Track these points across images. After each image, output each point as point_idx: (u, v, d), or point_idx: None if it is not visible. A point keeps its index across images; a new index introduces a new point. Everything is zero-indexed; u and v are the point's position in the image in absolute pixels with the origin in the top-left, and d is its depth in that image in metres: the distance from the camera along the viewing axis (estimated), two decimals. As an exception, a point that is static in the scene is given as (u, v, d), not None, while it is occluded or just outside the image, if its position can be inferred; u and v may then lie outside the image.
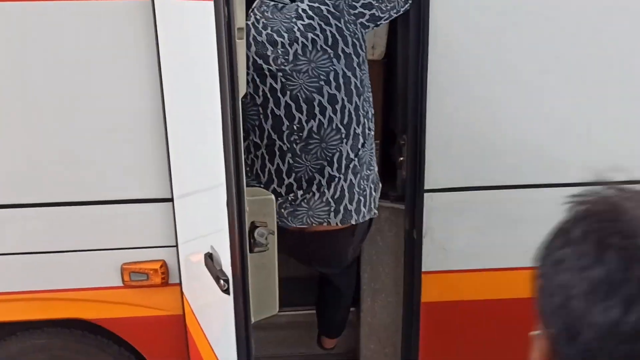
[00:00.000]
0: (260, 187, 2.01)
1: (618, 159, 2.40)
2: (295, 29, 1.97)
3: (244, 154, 1.94)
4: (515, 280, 2.47)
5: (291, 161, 1.99)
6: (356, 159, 2.03)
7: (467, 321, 2.53)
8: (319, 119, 1.94)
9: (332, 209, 2.02)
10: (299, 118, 1.94)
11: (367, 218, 2.16)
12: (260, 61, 1.96)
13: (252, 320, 1.65)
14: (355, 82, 2.00)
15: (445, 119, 2.29)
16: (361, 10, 2.05)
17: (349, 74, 1.98)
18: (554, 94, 2.32)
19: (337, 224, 2.06)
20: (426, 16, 2.15)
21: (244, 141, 1.97)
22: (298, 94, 1.93)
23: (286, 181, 2.01)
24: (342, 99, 1.97)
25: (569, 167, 2.40)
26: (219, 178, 1.59)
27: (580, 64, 2.29)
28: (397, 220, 2.53)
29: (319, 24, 1.96)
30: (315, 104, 1.94)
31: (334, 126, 1.96)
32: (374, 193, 2.16)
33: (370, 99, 2.11)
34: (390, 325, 2.73)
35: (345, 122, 1.98)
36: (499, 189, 2.40)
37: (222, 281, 1.65)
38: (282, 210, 2.02)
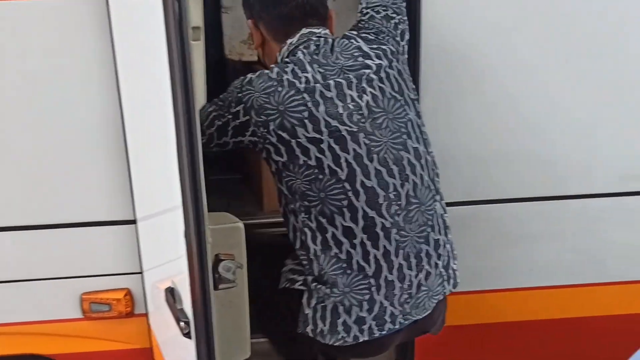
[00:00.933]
0: (367, 282, 1.62)
1: (622, 169, 2.21)
2: (364, 76, 1.64)
3: (335, 248, 1.59)
4: (521, 301, 2.27)
5: (397, 237, 1.63)
6: (445, 215, 1.77)
7: (468, 348, 2.31)
8: (413, 180, 1.63)
9: (445, 277, 1.75)
10: (394, 184, 1.61)
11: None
12: (334, 123, 1.57)
13: (219, 367, 1.42)
14: (424, 130, 1.74)
15: (441, 126, 2.06)
16: (404, 45, 1.80)
17: (419, 122, 1.71)
18: (561, 100, 2.10)
19: (450, 290, 1.79)
20: (418, 19, 1.92)
21: (326, 231, 1.61)
22: (385, 155, 1.60)
23: (395, 263, 1.64)
24: (424, 151, 1.69)
25: (577, 179, 2.19)
26: (174, 201, 1.36)
27: (584, 69, 2.08)
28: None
29: (385, 67, 1.67)
30: (405, 163, 1.62)
31: (425, 184, 1.67)
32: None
33: None
34: (382, 351, 2.50)
35: (431, 176, 1.71)
36: (502, 203, 2.18)
37: (182, 323, 1.42)
38: (405, 305, 1.66)
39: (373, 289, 1.62)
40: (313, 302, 1.66)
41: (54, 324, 2.09)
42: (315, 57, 1.65)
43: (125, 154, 1.93)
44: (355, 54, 1.67)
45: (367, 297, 1.62)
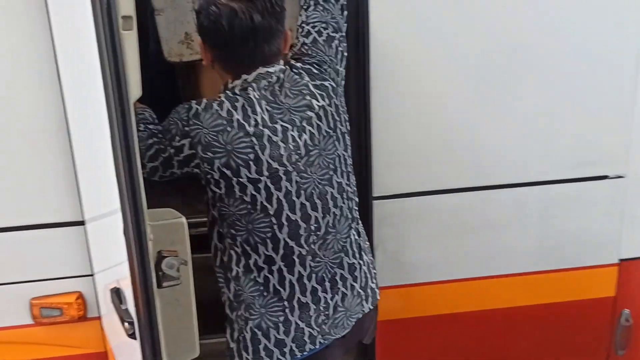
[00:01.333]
0: (282, 304, 1.69)
1: (578, 155, 2.21)
2: (310, 114, 1.67)
3: (255, 272, 1.66)
4: (476, 291, 2.27)
5: (312, 263, 1.71)
6: (360, 239, 1.84)
7: (426, 339, 2.29)
8: (334, 212, 1.71)
9: (363, 297, 1.81)
10: (315, 217, 1.68)
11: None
12: (275, 164, 1.61)
13: (166, 367, 1.38)
14: (350, 163, 1.78)
15: (392, 118, 2.06)
16: (342, 71, 1.81)
17: (346, 155, 1.75)
18: (508, 89, 2.10)
19: (369, 308, 1.84)
20: (365, 16, 1.92)
21: (250, 257, 1.66)
22: (312, 191, 1.66)
23: (309, 286, 1.71)
24: (347, 184, 1.75)
25: (528, 166, 2.19)
26: (113, 201, 1.31)
27: (536, 57, 2.08)
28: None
29: (325, 106, 1.69)
30: (328, 197, 1.69)
31: (344, 214, 1.75)
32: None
33: None
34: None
35: (350, 206, 1.77)
36: (454, 193, 2.18)
37: (127, 324, 1.37)
38: (323, 326, 1.73)
39: (287, 310, 1.68)
40: (235, 334, 1.72)
41: (3, 331, 2.02)
42: (264, 92, 1.65)
43: (71, 153, 1.87)
44: (304, 91, 1.69)
45: (282, 318, 1.69)
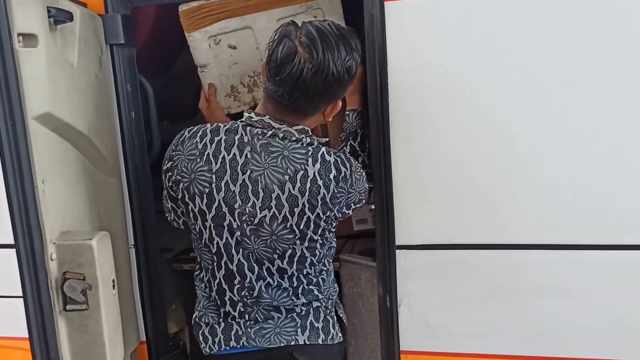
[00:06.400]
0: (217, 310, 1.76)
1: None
2: (281, 195, 1.59)
3: (203, 283, 1.76)
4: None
5: (242, 309, 1.74)
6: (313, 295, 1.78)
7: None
8: (269, 282, 1.71)
9: (299, 324, 1.75)
10: (250, 278, 1.69)
11: (336, 341, 1.81)
12: (224, 208, 1.62)
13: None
14: (311, 260, 1.73)
15: (420, 152, 1.80)
16: (349, 212, 1.74)
17: (307, 254, 1.71)
18: (566, 121, 1.70)
19: (304, 341, 1.76)
20: (383, 52, 1.72)
21: (201, 271, 1.76)
22: (250, 254, 1.67)
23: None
24: (293, 273, 1.72)
25: (597, 223, 1.74)
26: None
27: (594, 88, 1.67)
28: (379, 283, 2.04)
29: (304, 204, 1.60)
30: (264, 268, 1.69)
31: (283, 287, 1.73)
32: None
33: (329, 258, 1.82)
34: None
35: (294, 285, 1.74)
36: (498, 249, 1.81)
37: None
38: (249, 330, 1.74)
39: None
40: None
41: None
42: (255, 140, 1.61)
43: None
44: (291, 168, 1.60)
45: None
